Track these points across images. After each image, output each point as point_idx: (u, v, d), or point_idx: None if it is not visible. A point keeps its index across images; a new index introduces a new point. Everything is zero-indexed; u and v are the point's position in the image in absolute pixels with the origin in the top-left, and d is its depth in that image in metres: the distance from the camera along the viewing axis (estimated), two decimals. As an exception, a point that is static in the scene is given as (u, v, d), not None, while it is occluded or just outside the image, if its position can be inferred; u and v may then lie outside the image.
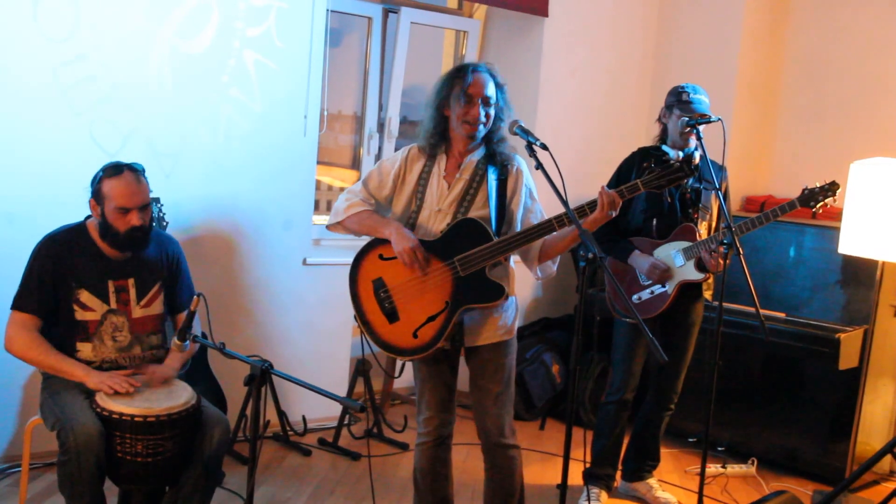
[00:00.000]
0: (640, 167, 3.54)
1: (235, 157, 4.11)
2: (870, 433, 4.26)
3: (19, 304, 2.81)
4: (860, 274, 4.18)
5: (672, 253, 3.53)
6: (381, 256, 2.86)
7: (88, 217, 2.94)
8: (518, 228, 2.83)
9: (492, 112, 2.80)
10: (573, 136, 5.27)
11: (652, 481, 3.88)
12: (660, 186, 2.69)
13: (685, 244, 3.51)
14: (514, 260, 2.95)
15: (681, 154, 3.50)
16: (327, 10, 4.36)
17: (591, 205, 2.67)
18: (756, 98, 5.18)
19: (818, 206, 3.40)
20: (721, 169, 3.49)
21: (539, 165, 2.62)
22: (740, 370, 4.46)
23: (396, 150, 4.92)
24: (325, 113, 4.50)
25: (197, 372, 3.50)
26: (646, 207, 3.59)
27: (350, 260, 2.94)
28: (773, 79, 5.22)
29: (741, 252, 3.06)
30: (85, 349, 2.85)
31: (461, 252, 2.74)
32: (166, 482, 2.79)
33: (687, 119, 3.35)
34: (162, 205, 3.67)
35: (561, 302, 5.41)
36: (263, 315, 4.32)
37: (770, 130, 5.24)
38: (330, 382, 4.41)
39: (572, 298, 5.38)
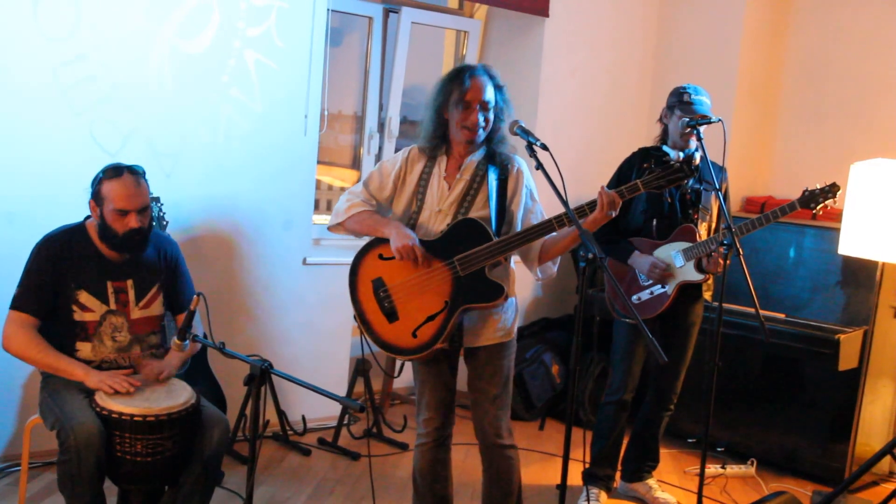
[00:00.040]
0: (640, 167, 3.54)
1: (236, 156, 4.11)
2: (869, 434, 4.26)
3: (18, 303, 2.81)
4: (860, 275, 4.18)
5: (672, 254, 3.53)
6: (380, 256, 2.86)
7: (88, 218, 2.94)
8: (518, 229, 2.83)
9: (491, 116, 2.79)
10: (573, 136, 5.27)
11: (651, 482, 3.88)
12: (660, 187, 2.69)
13: (685, 245, 3.51)
14: (515, 260, 2.95)
15: (681, 155, 3.50)
16: (328, 10, 4.36)
17: (591, 205, 2.67)
18: (756, 99, 5.18)
19: (818, 207, 3.41)
20: (721, 170, 3.49)
21: (539, 165, 2.62)
22: (740, 371, 4.46)
23: (397, 149, 4.94)
24: (326, 113, 4.50)
25: (197, 371, 3.50)
26: (646, 208, 3.59)
27: (350, 260, 2.94)
28: (773, 79, 5.22)
29: (741, 253, 3.06)
30: (84, 349, 2.85)
31: (461, 252, 2.74)
32: (166, 482, 2.79)
33: (687, 120, 3.35)
34: (162, 204, 3.67)
35: (561, 302, 5.41)
36: (263, 315, 4.32)
37: (770, 131, 5.24)
38: (329, 382, 4.41)
39: (572, 299, 5.38)
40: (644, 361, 3.70)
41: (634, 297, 3.59)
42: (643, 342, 3.58)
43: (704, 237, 3.53)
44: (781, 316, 4.30)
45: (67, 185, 3.43)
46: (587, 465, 3.78)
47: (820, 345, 4.04)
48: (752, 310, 3.06)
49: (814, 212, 3.43)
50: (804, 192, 3.44)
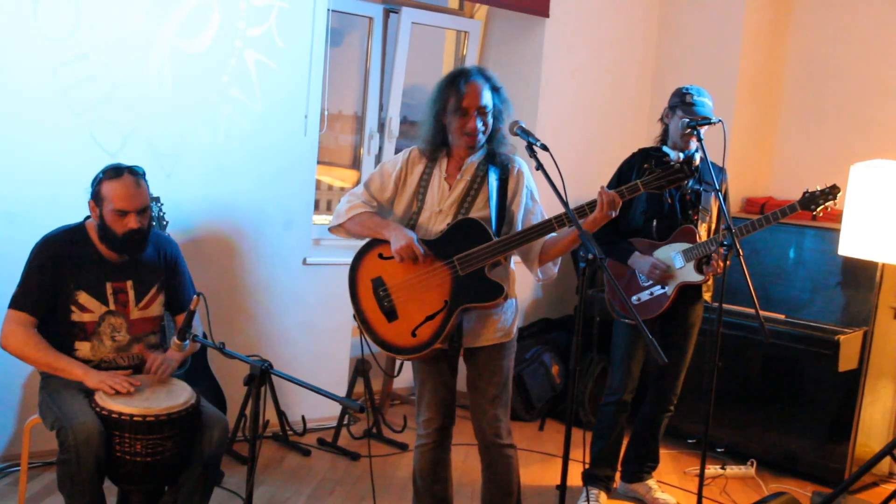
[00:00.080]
0: (640, 168, 3.54)
1: (236, 156, 4.11)
2: (869, 435, 4.26)
3: (17, 302, 2.81)
4: (860, 276, 4.18)
5: (672, 254, 3.53)
6: (380, 255, 2.86)
7: (87, 218, 2.94)
8: (518, 229, 2.83)
9: (489, 119, 2.79)
10: (574, 136, 5.27)
11: (651, 482, 3.88)
12: (660, 187, 2.69)
13: (685, 246, 3.51)
14: (515, 261, 2.95)
15: (681, 156, 3.50)
16: (328, 10, 4.36)
17: (591, 205, 2.67)
18: (756, 99, 5.18)
19: (818, 209, 3.41)
20: (721, 170, 3.49)
21: (539, 166, 2.62)
22: (740, 371, 4.46)
23: (397, 150, 4.95)
24: (326, 113, 4.50)
25: (197, 372, 3.51)
26: (646, 209, 3.59)
27: (350, 260, 2.94)
28: (773, 80, 5.22)
29: (741, 253, 3.06)
30: (83, 349, 2.85)
31: (461, 251, 2.74)
32: (165, 482, 2.79)
33: (688, 121, 3.35)
34: (162, 204, 3.67)
35: (561, 303, 5.41)
36: (263, 315, 4.32)
37: (770, 132, 5.24)
38: (329, 382, 4.41)
39: (572, 299, 5.38)
40: (644, 362, 3.70)
41: (634, 298, 3.59)
42: (643, 343, 3.58)
43: (704, 238, 3.53)
44: (781, 317, 4.30)
45: (67, 185, 3.43)
46: (587, 466, 3.78)
47: (820, 345, 4.04)
48: (752, 310, 3.06)
49: (814, 213, 3.43)
50: (804, 193, 3.44)
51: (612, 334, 3.73)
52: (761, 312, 3.05)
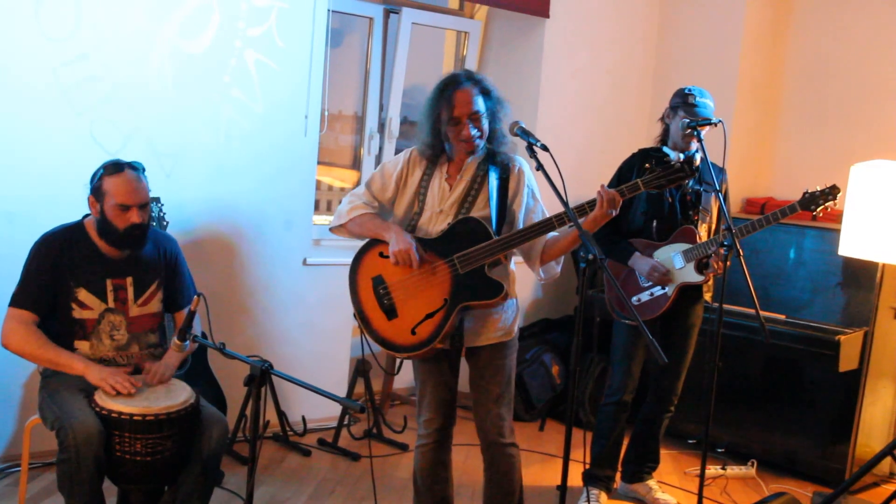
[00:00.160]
0: (640, 168, 3.54)
1: (236, 157, 4.11)
2: (870, 435, 4.26)
3: (17, 300, 2.82)
4: (860, 276, 4.18)
5: (672, 255, 3.53)
6: (381, 254, 2.87)
7: (86, 216, 2.94)
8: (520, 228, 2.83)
9: (484, 124, 2.78)
10: (574, 136, 5.27)
11: (651, 483, 3.88)
12: (660, 186, 2.69)
13: (685, 246, 3.51)
14: (515, 261, 2.96)
15: (682, 156, 3.50)
16: (328, 11, 4.37)
17: (592, 204, 2.67)
18: (757, 100, 5.18)
19: (819, 209, 3.41)
20: (721, 171, 3.49)
21: (540, 166, 2.62)
22: (740, 372, 4.45)
23: (397, 150, 4.95)
24: (326, 113, 4.50)
25: (197, 372, 3.51)
26: (646, 209, 3.59)
27: (350, 260, 2.94)
28: (774, 81, 5.22)
29: (741, 254, 3.06)
30: (83, 347, 2.85)
31: (461, 250, 2.75)
32: (165, 481, 2.79)
33: (688, 121, 3.35)
34: (162, 205, 3.67)
35: (561, 303, 5.41)
36: (263, 315, 4.32)
37: (771, 132, 5.24)
38: (330, 383, 4.41)
39: (572, 299, 5.38)
40: (644, 362, 3.70)
41: (634, 299, 3.59)
42: (643, 343, 3.58)
43: (705, 238, 3.53)
44: (782, 317, 4.30)
45: (68, 185, 3.42)
46: (587, 466, 3.78)
47: (820, 346, 4.04)
48: (752, 311, 3.06)
49: (814, 214, 3.43)
50: (804, 193, 3.44)
51: (613, 334, 3.73)
52: (761, 313, 3.05)
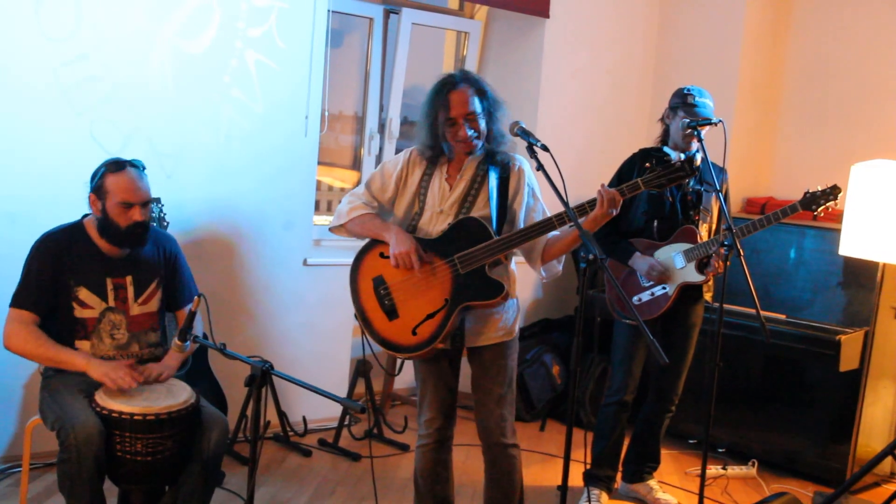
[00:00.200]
0: (641, 167, 3.54)
1: (236, 157, 4.11)
2: (870, 435, 4.26)
3: (18, 301, 2.82)
4: (861, 276, 4.18)
5: (673, 255, 3.53)
6: (381, 255, 2.87)
7: (86, 216, 2.95)
8: (521, 227, 2.83)
9: (481, 123, 2.78)
10: (574, 137, 5.28)
11: (652, 483, 3.88)
12: (661, 186, 2.69)
13: (686, 246, 3.51)
14: (516, 261, 2.96)
15: (682, 156, 3.50)
16: (328, 11, 4.37)
17: (592, 203, 2.67)
18: (757, 99, 5.18)
19: (819, 209, 3.41)
20: (722, 171, 3.49)
21: (540, 166, 2.62)
22: (741, 372, 4.45)
23: (397, 150, 4.95)
24: (326, 113, 4.50)
25: (197, 372, 3.51)
26: (647, 209, 3.59)
27: (350, 260, 2.94)
28: (774, 80, 5.22)
29: (741, 254, 3.06)
30: (83, 347, 2.85)
31: (461, 250, 2.75)
32: (166, 481, 2.79)
33: (688, 121, 3.35)
34: (163, 205, 3.67)
35: (561, 303, 5.41)
36: (264, 315, 4.32)
37: (771, 132, 5.24)
38: (330, 383, 4.41)
39: (573, 300, 5.38)
40: (645, 362, 3.70)
41: (635, 298, 3.59)
42: (644, 343, 3.58)
43: (705, 238, 3.53)
44: (782, 317, 4.30)
45: (68, 186, 3.42)
46: (588, 466, 3.78)
47: (821, 346, 4.04)
48: (752, 311, 3.06)
49: (815, 214, 3.43)
50: (805, 193, 3.45)
51: (613, 335, 3.73)
52: (762, 313, 3.05)
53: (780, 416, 4.34)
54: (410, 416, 4.59)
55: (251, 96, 4.11)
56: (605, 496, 3.78)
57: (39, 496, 3.44)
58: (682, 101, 3.47)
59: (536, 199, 2.90)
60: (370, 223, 2.90)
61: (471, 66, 5.38)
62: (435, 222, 2.85)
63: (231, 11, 3.98)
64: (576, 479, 3.76)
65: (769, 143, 5.24)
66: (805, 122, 5.08)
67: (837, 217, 4.12)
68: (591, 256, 2.44)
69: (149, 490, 2.81)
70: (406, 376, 4.87)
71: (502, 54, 5.40)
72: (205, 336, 2.73)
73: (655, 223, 3.58)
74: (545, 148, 2.63)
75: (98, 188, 2.83)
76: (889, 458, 4.12)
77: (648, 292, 3.57)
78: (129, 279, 2.93)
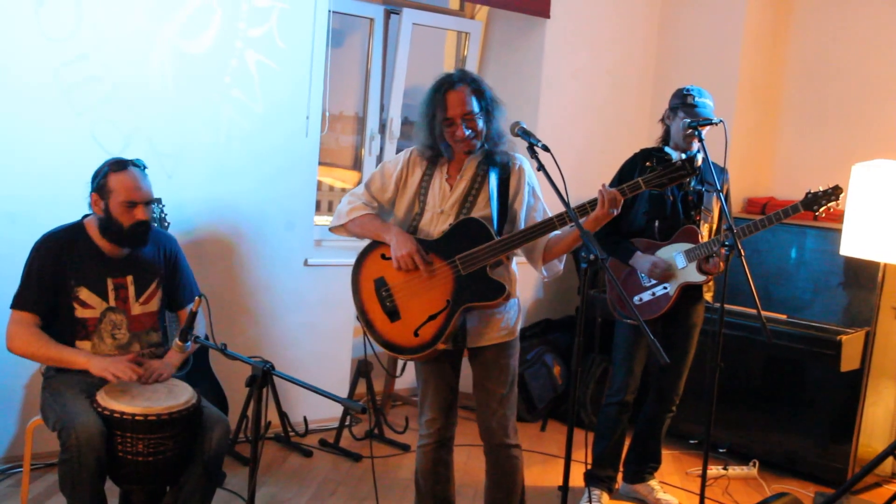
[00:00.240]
0: (642, 167, 3.54)
1: (237, 157, 4.11)
2: (871, 435, 4.26)
3: (19, 302, 2.82)
4: (862, 276, 4.17)
5: (674, 255, 3.52)
6: (383, 256, 2.87)
7: (86, 216, 2.95)
8: (522, 227, 2.84)
9: (479, 122, 2.78)
10: (575, 137, 5.27)
11: (653, 483, 3.88)
12: (661, 185, 2.69)
13: (687, 246, 3.51)
14: (517, 261, 2.95)
15: (683, 156, 3.50)
16: (329, 11, 4.37)
17: (593, 203, 2.67)
18: (758, 100, 5.18)
19: (821, 209, 3.41)
20: (722, 171, 3.49)
21: (541, 167, 2.62)
22: (742, 372, 4.45)
23: (398, 150, 4.94)
24: (327, 114, 4.50)
25: (198, 373, 3.51)
26: (648, 209, 3.59)
27: (351, 261, 2.94)
28: (774, 80, 5.22)
29: (742, 254, 3.06)
30: (84, 347, 2.85)
31: (462, 251, 2.75)
32: (167, 482, 2.79)
33: (689, 121, 3.35)
34: (164, 205, 3.67)
35: (562, 303, 5.41)
36: (265, 316, 4.32)
37: (772, 132, 5.24)
38: (331, 383, 4.41)
39: (574, 300, 5.38)
40: (646, 362, 3.70)
41: (636, 298, 3.59)
42: (645, 343, 3.58)
43: (706, 238, 3.53)
44: (783, 317, 4.30)
45: (69, 186, 3.42)
46: (589, 467, 3.77)
47: (822, 346, 4.04)
48: (753, 311, 3.06)
49: (816, 214, 3.43)
50: (807, 194, 3.44)
51: (614, 335, 3.73)
52: (763, 313, 3.05)
53: (781, 417, 4.33)
54: (411, 417, 4.59)
55: (252, 96, 4.11)
56: (605, 496, 3.78)
57: (40, 496, 3.44)
58: (682, 102, 3.47)
59: (537, 199, 2.90)
60: (370, 224, 2.90)
61: (471, 66, 5.38)
62: (436, 223, 2.85)
63: (231, 12, 3.98)
64: (577, 479, 3.76)
65: (770, 144, 5.24)
66: (806, 122, 5.08)
67: (838, 217, 4.12)
68: (592, 256, 2.43)
69: (150, 490, 2.80)
70: (407, 376, 4.87)
71: (503, 54, 5.40)
72: (206, 336, 2.73)
73: (656, 223, 3.57)
74: (546, 148, 2.62)
75: (101, 188, 2.83)
76: (890, 459, 4.11)
77: (649, 292, 3.57)
78: (129, 279, 2.93)
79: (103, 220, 2.85)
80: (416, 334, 2.79)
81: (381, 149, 5.11)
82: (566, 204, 2.57)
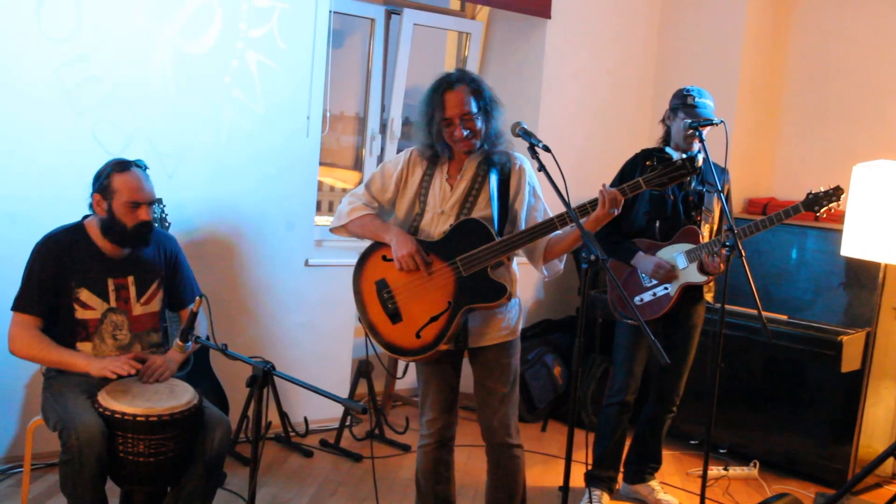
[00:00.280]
0: (643, 167, 3.54)
1: (238, 157, 4.11)
2: (872, 436, 4.26)
3: (20, 305, 2.82)
4: (862, 276, 4.17)
5: (675, 255, 3.52)
6: (384, 258, 2.86)
7: (86, 217, 2.94)
8: (523, 227, 2.84)
9: (478, 122, 2.78)
10: (575, 137, 5.27)
11: (654, 483, 3.88)
12: (662, 184, 2.69)
13: (688, 246, 3.51)
14: (518, 262, 2.95)
15: (684, 156, 3.49)
16: (330, 12, 4.36)
17: (594, 203, 2.67)
18: (758, 100, 5.18)
19: (822, 210, 3.41)
20: (723, 171, 3.49)
21: (542, 167, 2.62)
22: (742, 372, 4.45)
23: (399, 151, 4.95)
24: (328, 114, 4.50)
25: (199, 373, 3.51)
26: (649, 209, 3.59)
27: (352, 261, 2.95)
28: (775, 81, 5.22)
29: (743, 254, 3.06)
30: (85, 349, 2.85)
31: (463, 252, 2.75)
32: (168, 482, 2.79)
33: (690, 121, 3.35)
34: (164, 205, 3.67)
35: (563, 304, 5.41)
36: (265, 316, 4.32)
37: (772, 132, 5.24)
38: (332, 384, 4.41)
39: (574, 300, 5.38)
40: (646, 363, 3.70)
41: (637, 299, 3.59)
42: (645, 343, 3.58)
43: (707, 239, 3.52)
44: (784, 317, 4.30)
45: (69, 186, 3.43)
46: (589, 467, 3.77)
47: (822, 346, 4.04)
48: (754, 311, 3.06)
49: (817, 215, 3.43)
50: (808, 194, 3.44)
51: (615, 335, 3.73)
52: (763, 313, 3.05)
53: (782, 417, 4.33)
54: (412, 417, 4.59)
55: (252, 97, 4.11)
56: (606, 497, 3.78)
57: (41, 497, 3.44)
58: (683, 102, 3.47)
59: (538, 198, 2.90)
60: (370, 224, 2.90)
61: (472, 66, 5.38)
62: (436, 223, 2.85)
63: (232, 12, 3.98)
64: (577, 479, 3.75)
65: (770, 144, 5.24)
66: (806, 122, 5.08)
67: (839, 218, 4.12)
68: (592, 257, 2.43)
69: (151, 491, 2.80)
70: (407, 377, 4.86)
71: (503, 55, 5.40)
72: (207, 336, 2.73)
73: (657, 223, 3.57)
74: (547, 148, 2.62)
75: (104, 188, 2.83)
76: (891, 459, 4.12)
77: (650, 293, 3.57)
78: (130, 279, 2.93)
79: (106, 221, 2.85)
80: (417, 336, 2.79)
81: (382, 149, 5.11)
82: (567, 204, 2.57)
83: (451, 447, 3.01)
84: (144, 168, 2.91)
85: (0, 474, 3.60)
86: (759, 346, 4.28)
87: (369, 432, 4.37)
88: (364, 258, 2.92)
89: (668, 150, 3.55)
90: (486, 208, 2.81)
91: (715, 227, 3.61)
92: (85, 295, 2.85)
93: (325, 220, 4.77)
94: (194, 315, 2.60)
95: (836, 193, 3.41)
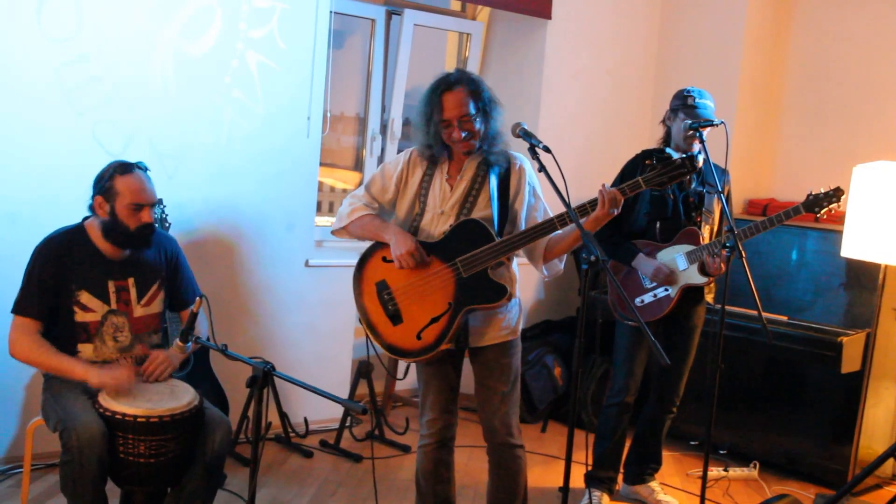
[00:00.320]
0: (643, 168, 3.54)
1: (238, 158, 4.11)
2: (872, 437, 4.26)
3: (20, 308, 2.81)
4: (863, 277, 4.17)
5: (675, 256, 3.52)
6: (384, 259, 2.86)
7: (86, 218, 2.94)
8: (523, 227, 2.84)
9: (476, 123, 2.77)
10: (576, 138, 5.27)
11: (654, 484, 3.88)
12: (661, 184, 2.69)
13: (688, 248, 3.51)
14: (518, 262, 2.95)
15: (684, 156, 3.49)
16: (330, 12, 4.36)
17: (593, 203, 2.67)
18: (759, 101, 5.18)
19: (822, 211, 3.41)
20: (723, 172, 3.49)
21: (542, 168, 2.62)
22: (742, 373, 4.45)
23: (399, 151, 4.94)
24: (328, 114, 4.50)
25: (199, 373, 3.51)
26: (649, 210, 3.59)
27: (352, 262, 2.94)
28: (775, 82, 5.22)
29: (743, 255, 3.06)
30: (86, 350, 2.85)
31: (463, 253, 2.75)
32: (168, 483, 2.79)
33: (690, 122, 3.35)
34: (165, 206, 3.68)
35: (563, 304, 5.41)
36: (265, 316, 4.32)
37: (773, 133, 5.24)
38: (332, 384, 4.41)
39: (574, 301, 5.38)
40: (646, 363, 3.70)
41: (637, 300, 3.59)
42: (646, 344, 3.58)
43: (707, 240, 3.53)
44: (784, 318, 4.29)
45: (70, 186, 3.42)
46: (589, 468, 3.77)
47: (822, 347, 4.04)
48: (754, 312, 3.06)
49: (817, 216, 3.43)
50: (808, 195, 3.44)
51: (615, 336, 3.73)
52: (764, 314, 3.05)
53: (782, 418, 4.33)
54: (412, 417, 4.59)
55: (252, 97, 4.11)
56: (606, 498, 3.78)
57: (40, 497, 3.44)
58: (683, 103, 3.47)
59: (538, 198, 2.90)
60: (370, 224, 2.90)
61: (473, 67, 5.38)
62: (436, 223, 2.85)
63: (232, 12, 3.98)
64: (577, 480, 3.75)
65: (771, 145, 5.24)
66: (806, 123, 5.08)
67: (839, 219, 4.12)
68: (592, 258, 2.43)
69: (151, 492, 2.80)
70: (407, 377, 4.86)
71: (504, 55, 5.40)
72: (207, 337, 2.73)
73: (658, 224, 3.57)
74: (547, 149, 2.62)
75: (106, 190, 2.83)
76: (891, 460, 4.12)
77: (651, 294, 3.57)
78: (131, 281, 2.93)
79: (108, 223, 2.84)
80: (418, 337, 2.79)
81: (383, 150, 5.11)
82: (567, 204, 2.57)
83: (451, 447, 3.00)
84: (146, 170, 2.91)
85: (0, 475, 3.60)
86: (759, 347, 4.28)
87: (369, 433, 4.37)
88: (364, 259, 2.91)
89: (668, 150, 3.55)
90: (486, 208, 2.81)
91: (715, 228, 3.61)
92: (85, 298, 2.84)
93: (326, 221, 4.77)
94: (194, 315, 2.60)
95: (836, 194, 3.41)
